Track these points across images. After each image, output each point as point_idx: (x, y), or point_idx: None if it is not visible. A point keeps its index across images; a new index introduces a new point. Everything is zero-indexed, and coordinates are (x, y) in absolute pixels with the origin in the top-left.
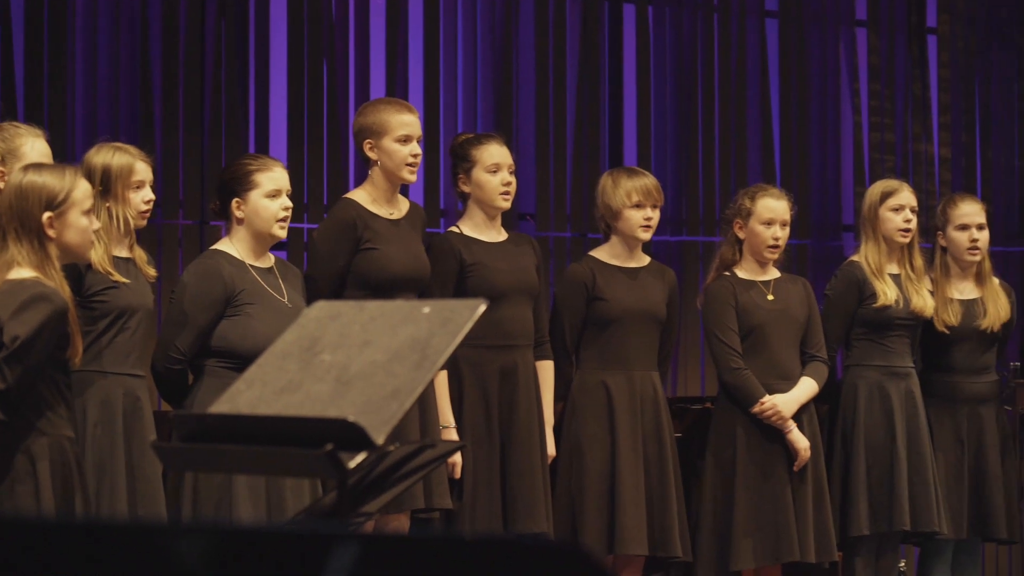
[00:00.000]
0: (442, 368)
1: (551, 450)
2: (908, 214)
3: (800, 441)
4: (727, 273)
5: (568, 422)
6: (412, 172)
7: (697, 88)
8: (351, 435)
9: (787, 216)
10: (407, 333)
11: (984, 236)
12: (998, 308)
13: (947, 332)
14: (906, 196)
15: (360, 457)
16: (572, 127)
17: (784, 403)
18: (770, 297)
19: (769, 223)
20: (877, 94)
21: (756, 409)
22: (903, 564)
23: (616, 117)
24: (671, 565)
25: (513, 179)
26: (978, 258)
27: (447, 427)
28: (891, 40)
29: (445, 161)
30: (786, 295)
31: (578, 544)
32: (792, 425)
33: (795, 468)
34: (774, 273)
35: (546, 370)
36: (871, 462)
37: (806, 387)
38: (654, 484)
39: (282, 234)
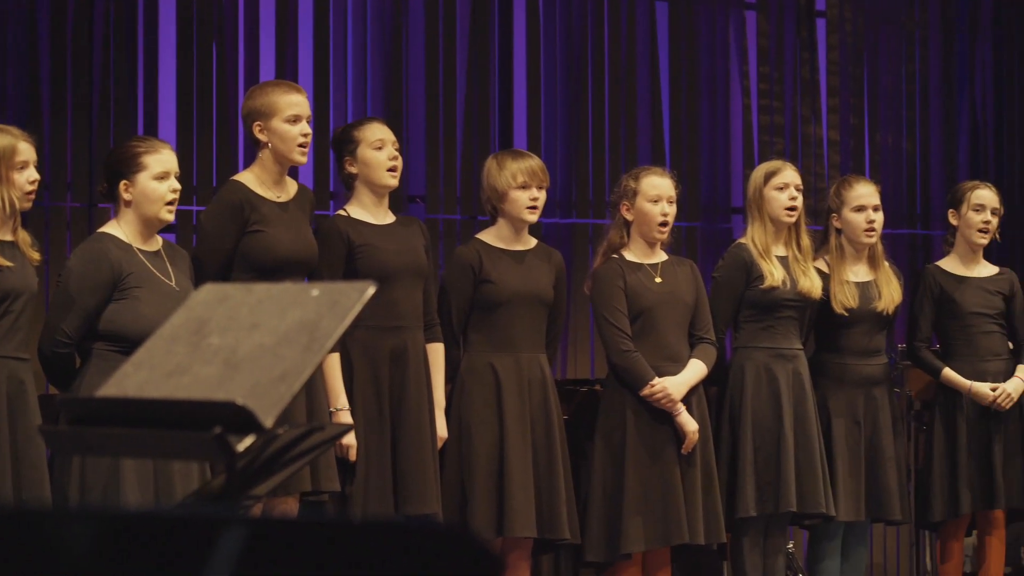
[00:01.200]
0: (332, 351)
1: (442, 432)
2: (793, 192)
3: (689, 424)
4: (615, 256)
5: (456, 405)
6: (303, 153)
7: (587, 71)
8: (239, 418)
9: (672, 193)
10: (295, 316)
11: (880, 218)
12: (891, 291)
13: (845, 314)
14: (790, 175)
15: (248, 440)
16: (462, 110)
17: (673, 386)
18: (658, 280)
19: (656, 200)
20: (766, 77)
21: (645, 391)
22: (791, 546)
23: (506, 100)
24: (560, 547)
25: (399, 156)
26: (874, 239)
27: (341, 409)
28: (780, 23)
29: (332, 150)
30: (674, 277)
31: (466, 527)
32: (681, 408)
33: (683, 451)
34: (662, 256)
35: (436, 352)
36: (758, 444)
37: (695, 369)
38: (542, 467)
39: (170, 217)
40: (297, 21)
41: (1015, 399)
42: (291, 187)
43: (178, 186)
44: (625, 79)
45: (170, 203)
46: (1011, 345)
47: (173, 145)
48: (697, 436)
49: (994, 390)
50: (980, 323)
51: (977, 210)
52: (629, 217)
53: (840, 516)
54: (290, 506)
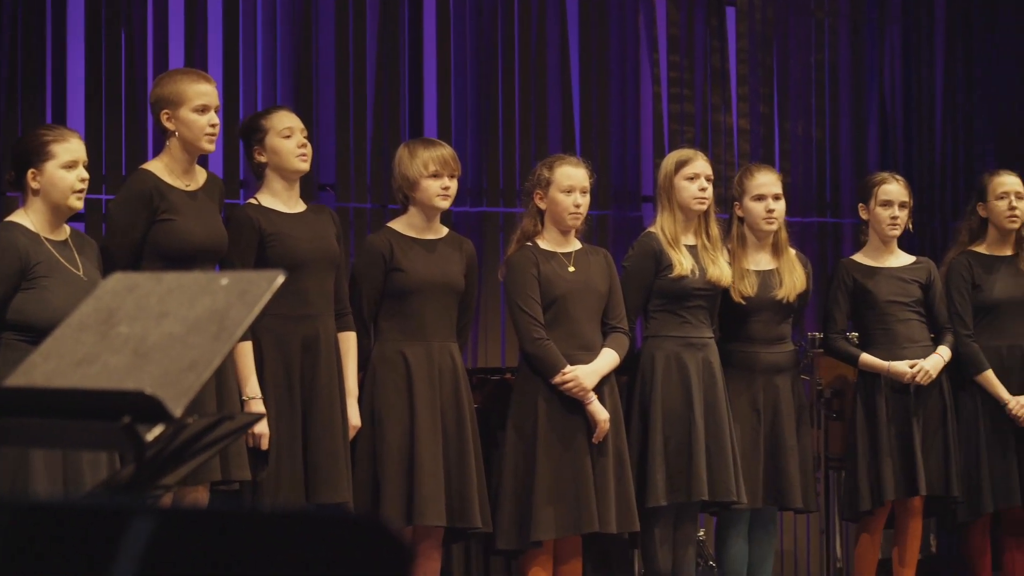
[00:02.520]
0: (242, 339)
1: (355, 421)
2: (703, 183)
3: (600, 413)
4: (529, 244)
5: (367, 393)
6: (211, 142)
7: (497, 59)
8: (148, 407)
9: (586, 183)
10: (205, 305)
11: (780, 206)
12: (794, 279)
13: (744, 303)
14: (700, 165)
15: (157, 429)
16: (372, 98)
17: (585, 374)
18: (571, 268)
19: (569, 191)
20: (676, 65)
21: (557, 380)
22: (702, 533)
23: (416, 88)
24: (471, 536)
25: (308, 143)
26: (774, 228)
27: (252, 398)
28: (690, 11)
29: (241, 140)
30: (587, 266)
31: (376, 516)
32: (593, 396)
33: (594, 440)
34: (575, 244)
35: (348, 340)
36: (668, 433)
37: (607, 358)
38: (453, 455)
39: (78, 205)
40: (206, 8)
41: (933, 376)
42: (200, 176)
43: (86, 175)
44: (535, 68)
45: (79, 192)
46: (932, 334)
47: (82, 134)
48: (608, 425)
49: (912, 367)
50: (897, 312)
51: (885, 206)
52: (542, 206)
53: (744, 503)
54: (200, 495)
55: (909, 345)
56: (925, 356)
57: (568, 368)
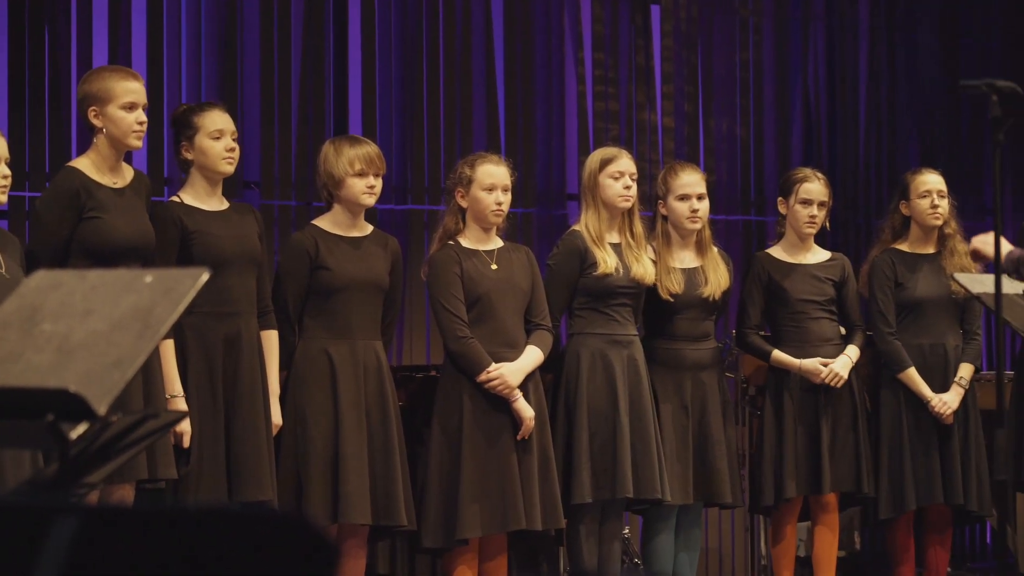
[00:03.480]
0: (166, 337)
1: (277, 419)
2: (628, 181)
3: (525, 410)
4: (451, 242)
5: (291, 391)
6: (138, 139)
7: (422, 57)
8: (72, 405)
9: (508, 181)
10: (129, 302)
11: (704, 206)
12: (718, 277)
13: (671, 300)
14: (625, 163)
15: (82, 428)
16: (297, 95)
17: (510, 372)
18: (494, 266)
19: (490, 188)
20: (601, 63)
21: (482, 378)
22: (627, 531)
23: (341, 85)
24: (396, 534)
25: (236, 146)
26: (698, 226)
27: (175, 396)
28: (615, 10)
29: (169, 129)
30: (509, 264)
31: (301, 514)
32: (518, 394)
33: (519, 437)
34: (497, 242)
35: (270, 339)
36: (593, 430)
37: (531, 356)
38: (378, 453)
39: (2, 199)
40: (131, 4)
41: (844, 377)
42: (127, 173)
43: (9, 172)
44: (460, 65)
45: (1, 189)
46: (843, 331)
47: (4, 131)
48: (533, 423)
49: (824, 366)
50: (810, 310)
51: (804, 203)
52: (464, 204)
53: (670, 500)
54: (127, 493)
55: (821, 343)
56: (836, 354)
57: (493, 366)
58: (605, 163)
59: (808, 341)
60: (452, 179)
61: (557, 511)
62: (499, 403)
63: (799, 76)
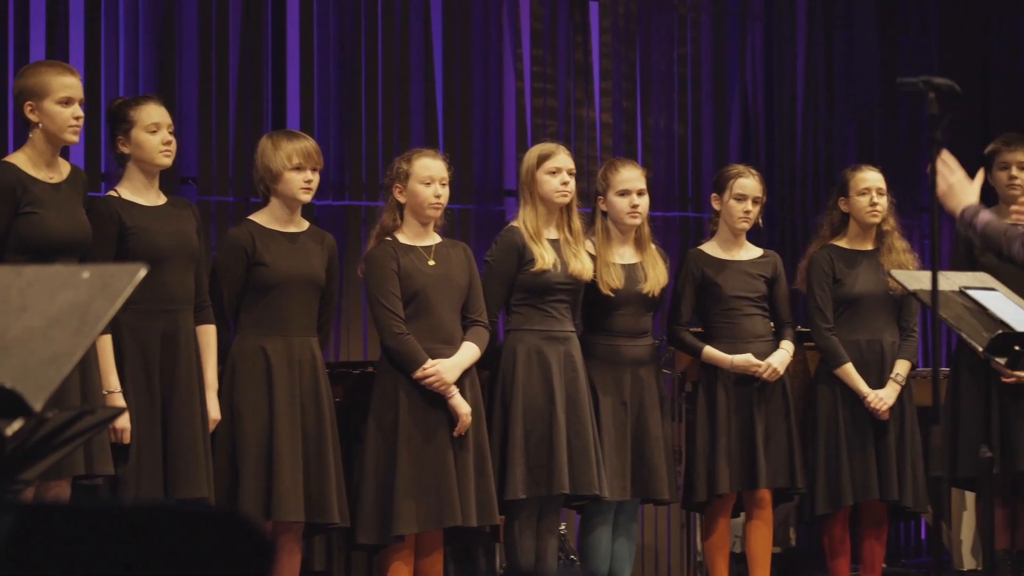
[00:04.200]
0: (103, 333)
1: (214, 414)
2: (565, 176)
3: (461, 407)
4: (388, 238)
5: (226, 387)
6: (74, 134)
7: (360, 52)
8: (8, 402)
9: (445, 175)
10: (66, 298)
11: (644, 202)
12: (657, 273)
13: (611, 295)
14: (563, 159)
15: (17, 424)
16: (235, 90)
17: (446, 368)
18: (431, 262)
19: (428, 182)
20: (540, 60)
21: (418, 374)
22: (564, 527)
23: (279, 80)
24: (331, 530)
25: (173, 139)
26: (638, 222)
27: (112, 392)
28: (553, 6)
29: (106, 125)
30: (447, 260)
31: (236, 511)
32: (454, 391)
33: (455, 434)
34: (435, 238)
35: (208, 334)
36: (529, 427)
37: (468, 352)
38: (312, 450)
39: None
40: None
41: (780, 372)
42: (64, 168)
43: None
44: (399, 61)
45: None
46: (773, 327)
47: None
48: (470, 419)
49: (759, 364)
50: (742, 306)
51: (739, 199)
52: (402, 199)
53: (608, 496)
54: (63, 490)
55: (753, 340)
56: (768, 351)
57: (429, 363)
58: (542, 159)
59: (740, 337)
60: (389, 175)
61: (493, 507)
62: (435, 399)
63: (737, 73)
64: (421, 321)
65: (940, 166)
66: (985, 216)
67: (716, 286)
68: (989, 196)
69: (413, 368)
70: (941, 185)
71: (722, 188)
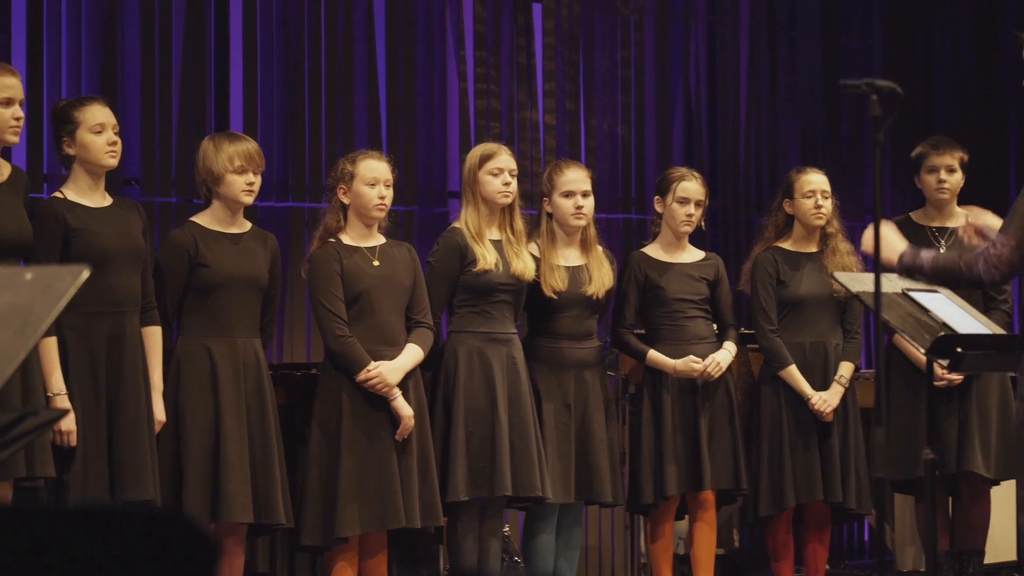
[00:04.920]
0: (48, 335)
1: (160, 416)
2: (507, 177)
3: (404, 409)
4: (332, 240)
5: (170, 389)
6: (15, 135)
7: (304, 53)
8: None
9: (390, 176)
10: (8, 300)
11: (589, 203)
12: (602, 275)
13: (555, 297)
14: (504, 159)
15: None
16: (178, 92)
17: (389, 371)
18: (376, 263)
19: (373, 183)
20: (483, 61)
21: (361, 377)
22: (507, 529)
23: (222, 81)
24: (275, 531)
25: (118, 140)
26: (583, 223)
27: (57, 395)
28: (496, 8)
29: (49, 125)
30: (391, 261)
31: (181, 512)
32: (397, 393)
33: (397, 436)
34: (379, 239)
35: (153, 335)
36: (471, 428)
37: (411, 354)
38: (257, 451)
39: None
40: (10, 0)
41: (723, 367)
42: (4, 169)
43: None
44: (342, 62)
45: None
46: (716, 329)
47: None
48: (412, 422)
49: (696, 363)
50: (685, 309)
51: (681, 202)
52: (346, 201)
53: (551, 498)
54: (4, 492)
55: (696, 342)
56: (711, 353)
57: (372, 365)
58: (484, 159)
59: (684, 340)
60: (334, 176)
61: (436, 509)
62: (378, 402)
63: (680, 75)
64: (365, 322)
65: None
66: (927, 253)
67: (659, 289)
68: (918, 198)
69: (356, 370)
70: (868, 242)
71: (665, 191)
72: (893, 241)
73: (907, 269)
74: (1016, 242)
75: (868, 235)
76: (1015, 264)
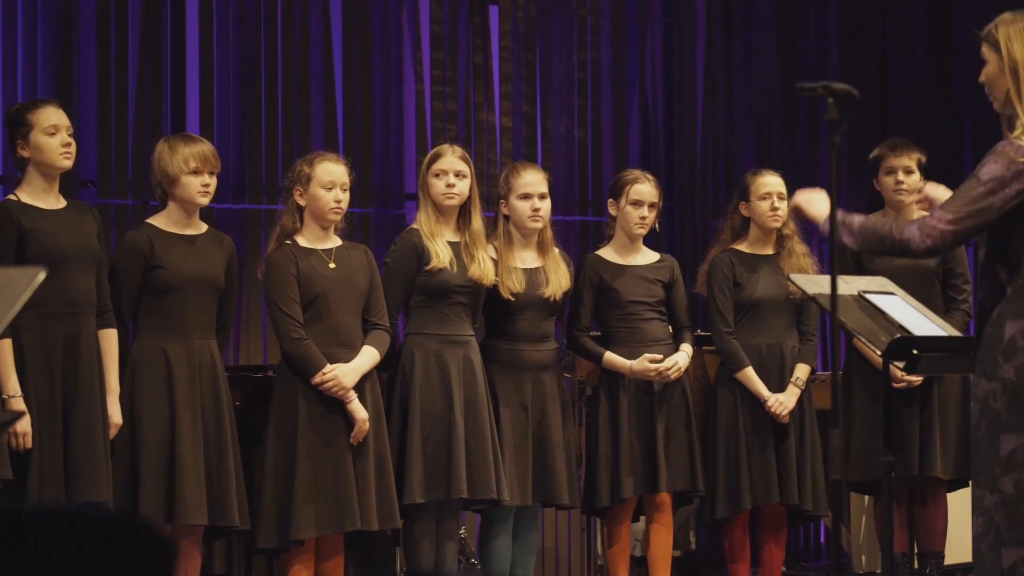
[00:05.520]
0: (3, 336)
1: (116, 419)
2: (451, 179)
3: (359, 412)
4: (288, 241)
5: (126, 390)
6: None
7: (260, 55)
8: None
9: (347, 179)
10: None
11: (546, 205)
12: (559, 277)
13: (512, 299)
14: (449, 161)
15: None
16: (134, 93)
17: (344, 373)
18: (332, 265)
19: (330, 187)
20: (440, 63)
21: (317, 379)
22: (464, 531)
23: (178, 83)
24: (231, 533)
25: (73, 141)
26: (539, 226)
27: (13, 396)
28: (453, 9)
29: (4, 130)
30: (348, 263)
31: (137, 514)
32: (352, 395)
33: (352, 439)
34: (336, 241)
35: (109, 338)
36: (428, 431)
37: (367, 356)
38: (213, 453)
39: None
40: None
41: (682, 369)
42: None
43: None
44: (299, 64)
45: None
46: (671, 331)
47: None
48: (367, 425)
49: (652, 363)
50: (640, 311)
51: (635, 205)
52: (302, 203)
53: (508, 501)
54: None
55: (652, 344)
56: (667, 355)
57: (328, 367)
58: (431, 161)
59: (639, 342)
60: (290, 177)
61: (393, 511)
62: (334, 404)
63: (637, 77)
64: (321, 324)
65: (803, 203)
66: (856, 215)
67: (614, 291)
68: (873, 200)
69: (311, 373)
70: (800, 196)
71: (618, 194)
72: (823, 202)
73: (836, 224)
74: (953, 217)
75: (800, 195)
76: (947, 239)
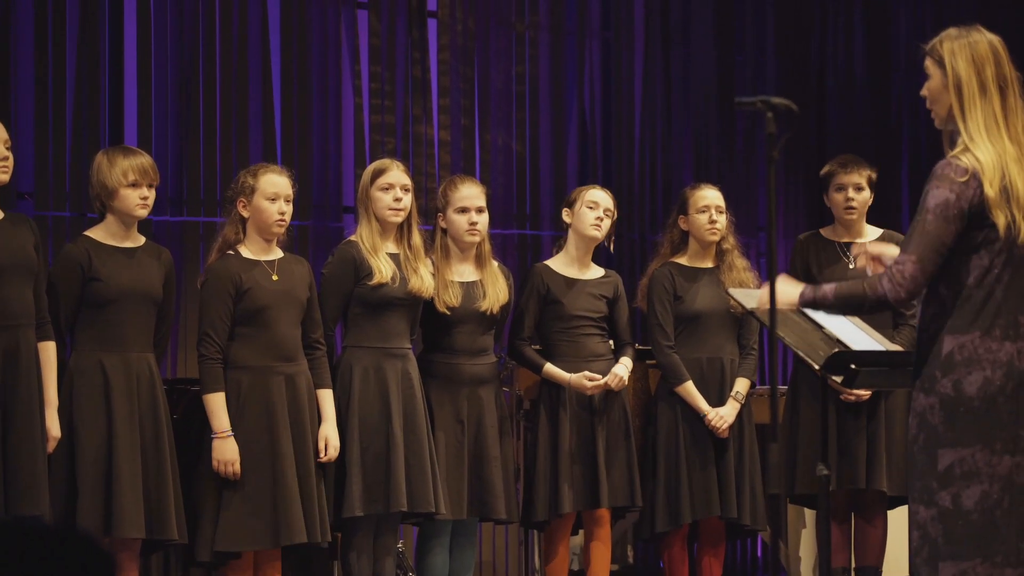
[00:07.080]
0: None
1: (54, 431)
2: (398, 193)
3: (334, 439)
4: (231, 252)
5: (63, 403)
6: None
7: (199, 67)
8: None
9: (290, 191)
10: None
11: (484, 219)
12: (497, 291)
13: (448, 313)
14: (395, 175)
15: None
16: (71, 104)
17: (331, 435)
18: (275, 277)
19: (274, 198)
20: (378, 76)
21: (222, 438)
22: (401, 545)
23: (116, 94)
24: (169, 547)
25: (10, 154)
26: (477, 239)
27: None
28: (391, 22)
29: None
30: (290, 275)
31: (76, 527)
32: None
33: (326, 459)
34: (278, 253)
35: (47, 351)
36: (366, 443)
37: (328, 399)
38: (151, 466)
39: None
40: None
41: (625, 381)
42: None
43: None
44: (237, 76)
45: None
46: (612, 346)
47: None
48: (336, 452)
49: (590, 380)
50: (582, 326)
51: (591, 207)
52: (246, 214)
53: (444, 514)
54: None
55: (593, 359)
56: (607, 370)
57: (225, 431)
58: (376, 175)
59: (580, 356)
60: (234, 188)
61: (324, 525)
62: (273, 419)
63: (575, 90)
64: (263, 336)
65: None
66: (827, 285)
67: (559, 304)
68: (812, 214)
69: (206, 390)
70: (764, 296)
71: (572, 201)
72: (790, 289)
73: (811, 303)
74: (917, 257)
75: (764, 293)
76: (918, 279)
